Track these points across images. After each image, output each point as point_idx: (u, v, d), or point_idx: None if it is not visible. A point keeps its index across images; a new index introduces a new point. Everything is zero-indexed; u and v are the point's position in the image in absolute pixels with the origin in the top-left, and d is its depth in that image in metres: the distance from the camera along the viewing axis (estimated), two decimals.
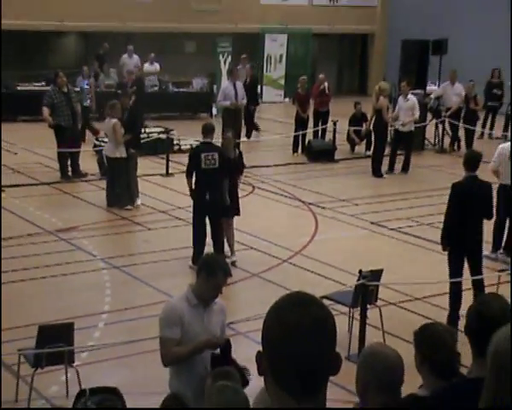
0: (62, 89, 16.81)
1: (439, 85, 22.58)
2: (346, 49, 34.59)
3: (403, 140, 18.43)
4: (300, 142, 20.45)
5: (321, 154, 19.67)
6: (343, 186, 17.19)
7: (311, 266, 11.77)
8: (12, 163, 17.62)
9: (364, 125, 20.61)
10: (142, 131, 16.87)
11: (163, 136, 18.72)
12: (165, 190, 15.86)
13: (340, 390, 7.21)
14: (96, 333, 9.35)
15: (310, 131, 20.58)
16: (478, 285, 9.91)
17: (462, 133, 21.20)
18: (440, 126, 21.58)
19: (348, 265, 11.18)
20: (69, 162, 16.85)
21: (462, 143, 21.00)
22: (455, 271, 9.78)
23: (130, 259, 12.08)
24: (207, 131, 11.67)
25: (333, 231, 13.77)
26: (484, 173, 10.41)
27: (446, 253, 9.95)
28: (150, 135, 18.72)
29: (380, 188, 17.27)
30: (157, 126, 20.10)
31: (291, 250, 12.51)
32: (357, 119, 20.79)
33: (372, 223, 14.24)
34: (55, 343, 7.55)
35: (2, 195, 15.19)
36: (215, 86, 25.35)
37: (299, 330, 2.04)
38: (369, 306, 8.97)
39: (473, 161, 9.97)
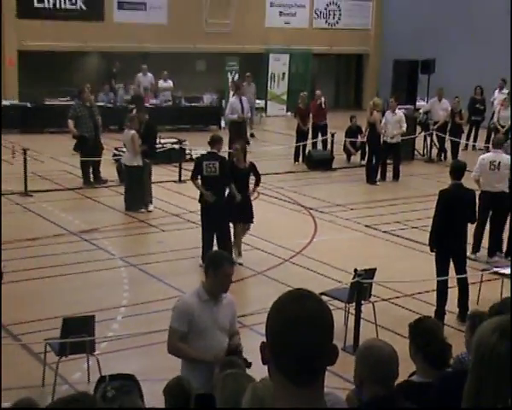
0: (86, 103, 16.86)
1: (427, 101, 22.54)
2: (343, 68, 34.54)
3: (391, 151, 18.41)
4: (301, 152, 20.43)
5: (320, 163, 19.65)
6: (340, 192, 17.17)
7: (311, 265, 11.75)
8: (39, 170, 17.64)
9: (359, 136, 20.63)
10: (158, 141, 16.88)
11: (176, 146, 18.72)
12: (178, 196, 15.86)
13: (338, 379, 7.20)
14: (115, 325, 9.36)
15: (310, 142, 20.56)
16: (462, 283, 9.90)
17: (448, 145, 21.15)
18: (428, 138, 21.55)
19: (344, 264, 11.15)
20: (91, 170, 16.87)
21: (449, 154, 20.95)
22: (441, 270, 9.77)
23: (145, 258, 12.08)
24: (213, 141, 11.70)
25: (330, 234, 13.75)
26: (468, 181, 10.40)
27: (434, 254, 9.95)
28: (164, 145, 18.72)
29: (373, 194, 17.23)
30: (171, 137, 20.09)
31: (292, 251, 12.49)
32: (352, 131, 20.77)
33: (366, 226, 14.21)
34: (77, 334, 7.57)
35: (31, 199, 15.24)
36: (223, 101, 25.34)
37: (298, 321, 2.05)
38: (363, 302, 8.95)
39: (458, 170, 9.96)
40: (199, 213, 12.07)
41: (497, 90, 23.91)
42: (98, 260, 11.79)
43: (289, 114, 28.45)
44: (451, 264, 9.83)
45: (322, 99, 20.99)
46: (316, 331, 2.07)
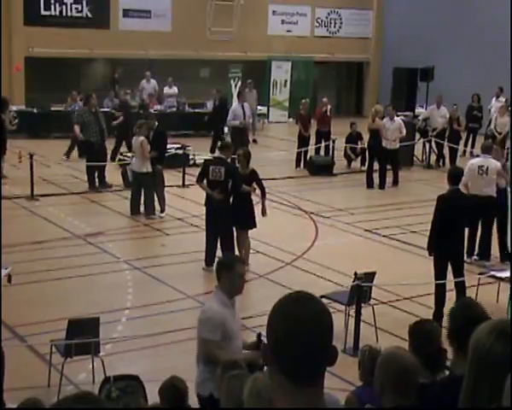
0: (91, 109, 16.90)
1: (426, 108, 22.56)
2: (344, 76, 34.56)
3: (389, 157, 18.40)
4: (302, 157, 20.45)
5: (321, 168, 19.66)
6: (340, 197, 17.18)
7: (312, 269, 11.75)
8: (45, 175, 17.67)
9: (360, 143, 20.64)
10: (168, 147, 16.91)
11: (180, 151, 18.73)
12: (182, 200, 15.87)
13: (337, 380, 7.20)
14: (119, 327, 9.36)
15: (311, 147, 20.57)
16: (460, 287, 9.90)
17: (446, 151, 21.16)
18: (427, 145, 21.55)
19: (344, 267, 11.15)
20: (96, 174, 16.89)
21: (447, 160, 20.95)
22: (439, 274, 9.78)
23: (149, 261, 12.09)
24: (222, 147, 11.80)
25: (331, 238, 13.75)
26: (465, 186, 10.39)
27: (432, 257, 9.95)
28: (168, 150, 18.71)
29: (373, 199, 17.24)
30: (174, 143, 20.10)
31: (294, 254, 12.49)
32: (353, 137, 20.78)
33: (366, 230, 14.21)
34: (82, 335, 7.57)
35: (37, 203, 15.26)
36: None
37: (299, 323, 2.06)
38: (363, 304, 8.96)
39: (456, 175, 9.98)
40: (202, 217, 12.09)
41: (494, 98, 23.95)
42: (103, 263, 11.80)
43: (291, 120, 28.46)
44: (449, 267, 9.84)
45: (328, 107, 21.08)
46: (316, 333, 2.07)
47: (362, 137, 20.58)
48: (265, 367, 4.26)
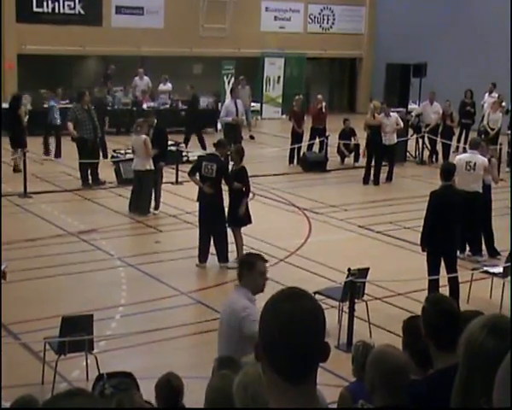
0: (84, 106, 16.87)
1: (419, 104, 22.59)
2: (337, 72, 34.57)
3: (387, 153, 18.43)
4: (296, 154, 20.45)
5: (314, 165, 19.67)
6: (334, 194, 17.19)
7: (305, 265, 11.76)
8: (39, 172, 17.63)
9: (353, 139, 20.66)
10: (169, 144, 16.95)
11: (173, 148, 18.70)
12: (175, 197, 15.86)
13: (330, 375, 7.22)
14: (113, 324, 9.36)
15: (304, 144, 20.58)
16: (453, 283, 9.93)
17: (439, 147, 21.20)
18: (420, 141, 21.59)
19: (338, 263, 11.17)
20: (89, 171, 16.85)
21: (440, 156, 20.99)
22: (432, 269, 9.81)
23: (143, 258, 12.08)
24: (217, 144, 11.79)
25: (325, 234, 13.77)
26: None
27: (425, 253, 9.98)
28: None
29: (366, 195, 17.26)
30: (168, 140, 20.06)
31: (287, 251, 12.50)
32: (346, 134, 20.78)
33: (359, 226, 14.24)
34: (76, 333, 7.57)
35: (31, 200, 15.23)
36: (220, 104, 25.35)
37: (291, 320, 2.05)
38: (356, 300, 8.98)
39: (448, 171, 10.01)
40: (196, 214, 12.09)
41: (487, 94, 23.98)
42: (97, 261, 11.79)
43: (284, 116, 28.45)
44: (442, 263, 9.87)
45: (323, 104, 21.09)
46: (308, 330, 2.06)
47: (355, 133, 20.60)
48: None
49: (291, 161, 20.43)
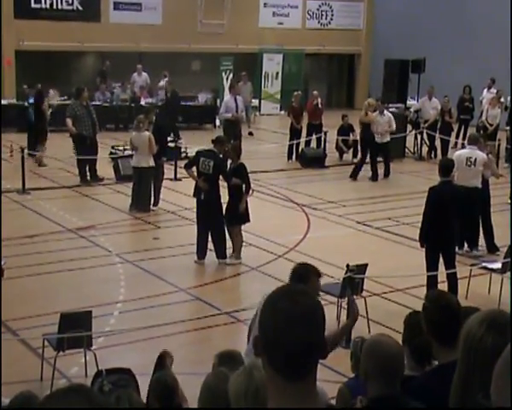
0: (83, 102, 16.85)
1: (417, 100, 22.59)
2: (335, 68, 34.55)
3: (381, 150, 18.44)
4: (294, 150, 20.45)
5: (313, 161, 19.67)
6: (332, 190, 17.18)
7: (304, 261, 11.72)
8: (37, 169, 17.60)
9: (351, 135, 20.66)
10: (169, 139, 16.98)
11: (172, 144, 18.68)
12: (174, 193, 15.85)
13: (329, 371, 7.22)
14: (112, 320, 9.36)
15: (303, 140, 20.57)
16: (451, 278, 9.93)
17: (438, 143, 21.19)
18: (419, 137, 21.59)
19: (336, 260, 11.16)
20: (87, 168, 16.83)
21: (438, 152, 20.96)
22: (431, 265, 9.80)
23: (142, 254, 12.07)
24: (215, 140, 11.75)
25: (323, 230, 13.76)
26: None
27: (424, 249, 9.98)
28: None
29: (365, 191, 17.25)
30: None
31: (286, 247, 12.50)
32: (344, 130, 20.78)
33: (358, 222, 14.24)
34: (75, 329, 7.57)
35: (29, 197, 15.22)
36: (218, 100, 25.34)
37: (290, 318, 2.03)
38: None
39: (447, 167, 10.00)
40: (194, 210, 12.08)
41: (485, 89, 23.98)
42: (95, 257, 11.78)
43: (283, 112, 28.45)
44: (441, 259, 9.87)
45: (319, 99, 21.07)
46: (308, 327, 2.05)
47: (353, 129, 20.60)
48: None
49: (289, 157, 20.42)
